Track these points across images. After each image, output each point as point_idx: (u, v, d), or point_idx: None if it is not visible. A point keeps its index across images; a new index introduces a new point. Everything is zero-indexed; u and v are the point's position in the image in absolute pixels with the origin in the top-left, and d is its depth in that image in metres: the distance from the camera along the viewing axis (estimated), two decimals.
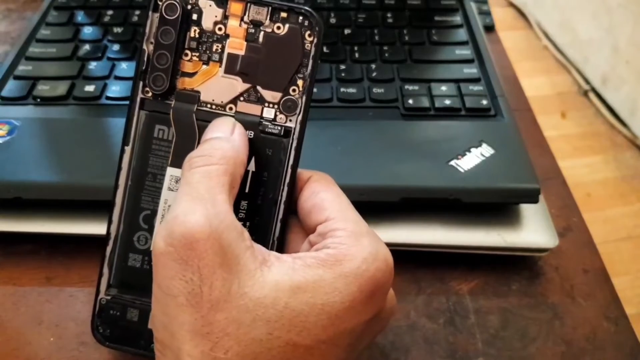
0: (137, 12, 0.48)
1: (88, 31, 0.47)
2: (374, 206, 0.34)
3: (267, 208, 0.27)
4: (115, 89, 0.41)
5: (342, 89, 0.42)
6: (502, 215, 0.36)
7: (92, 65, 0.43)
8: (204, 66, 0.27)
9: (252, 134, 0.27)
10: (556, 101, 1.51)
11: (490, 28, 0.55)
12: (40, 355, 0.31)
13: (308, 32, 0.26)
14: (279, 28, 0.26)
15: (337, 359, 0.24)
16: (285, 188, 0.27)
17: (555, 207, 0.39)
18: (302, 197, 0.27)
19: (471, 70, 0.44)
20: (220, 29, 0.27)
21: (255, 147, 0.27)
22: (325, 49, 0.45)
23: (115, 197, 0.27)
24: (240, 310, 0.21)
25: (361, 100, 0.41)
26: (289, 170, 0.27)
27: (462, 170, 0.36)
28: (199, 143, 0.26)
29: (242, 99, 0.27)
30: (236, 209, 0.26)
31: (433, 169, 0.36)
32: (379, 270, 0.23)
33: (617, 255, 1.13)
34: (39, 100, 0.41)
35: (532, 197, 0.35)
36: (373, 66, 0.44)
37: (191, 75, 0.27)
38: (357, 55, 0.45)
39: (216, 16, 0.27)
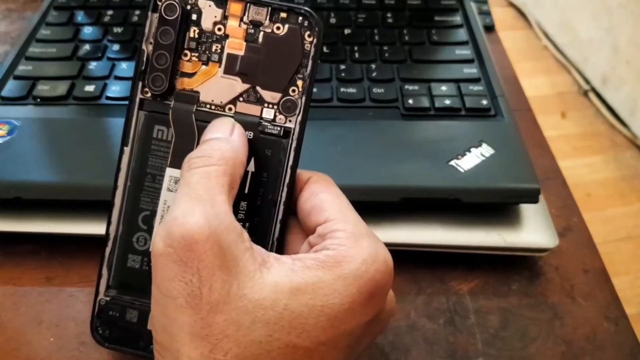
0: (137, 12, 0.48)
1: (88, 31, 0.47)
2: (374, 206, 0.34)
3: (266, 209, 0.27)
4: (115, 89, 0.41)
5: (342, 89, 0.42)
6: (502, 215, 0.36)
7: (92, 65, 0.43)
8: (204, 66, 0.27)
9: (251, 135, 0.27)
10: (556, 101, 1.51)
11: (490, 28, 0.55)
12: (40, 355, 0.31)
13: (308, 32, 0.26)
14: (278, 28, 0.26)
15: None
16: (285, 189, 0.27)
17: (555, 207, 0.39)
18: (301, 198, 0.27)
19: (471, 70, 0.44)
20: (219, 29, 0.27)
21: (254, 148, 0.26)
22: (325, 49, 0.45)
23: (115, 198, 0.27)
24: (239, 312, 0.21)
25: (361, 100, 0.41)
26: (289, 170, 0.27)
27: (462, 170, 0.36)
28: (198, 144, 0.26)
29: (241, 99, 0.27)
30: (235, 210, 0.26)
31: (433, 169, 0.36)
32: (379, 271, 0.23)
33: (617, 255, 1.13)
34: (39, 100, 0.41)
35: (532, 197, 0.35)
36: (373, 66, 0.44)
37: (190, 75, 0.27)
38: (357, 55, 0.45)
39: (215, 16, 0.26)
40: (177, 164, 0.26)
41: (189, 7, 0.26)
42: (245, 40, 0.27)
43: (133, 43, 0.45)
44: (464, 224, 0.36)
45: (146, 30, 0.26)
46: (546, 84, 1.56)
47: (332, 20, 0.48)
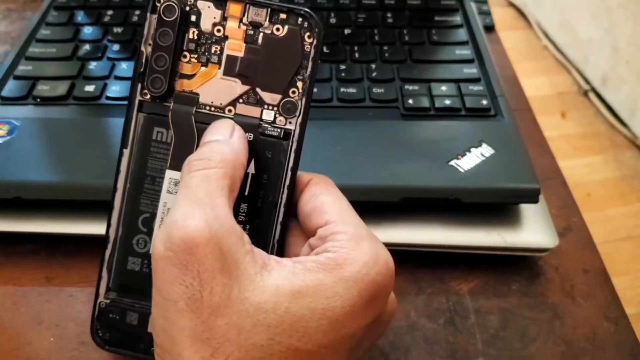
0: (137, 12, 0.48)
1: (88, 31, 0.47)
2: (374, 206, 0.34)
3: (267, 211, 0.27)
4: (115, 89, 0.41)
5: (342, 89, 0.42)
6: (502, 215, 0.36)
7: (92, 65, 0.43)
8: (203, 68, 0.27)
9: (251, 137, 0.26)
10: (556, 101, 1.51)
11: (490, 28, 0.55)
12: (40, 355, 0.31)
13: (307, 33, 0.26)
14: (278, 29, 0.26)
15: None
16: (285, 191, 0.27)
17: (555, 207, 0.39)
18: (302, 199, 0.27)
19: (471, 70, 0.44)
20: (219, 30, 0.26)
21: (254, 150, 0.26)
22: (325, 49, 0.45)
23: (114, 200, 0.27)
24: (240, 315, 0.21)
25: (361, 100, 0.41)
26: (289, 172, 0.27)
27: (462, 170, 0.36)
28: (198, 146, 0.26)
29: (241, 101, 0.27)
30: (236, 212, 0.26)
31: (433, 169, 0.36)
32: (380, 274, 0.23)
33: (617, 255, 1.13)
34: (39, 100, 0.41)
35: (532, 197, 0.35)
36: (373, 66, 0.44)
37: (190, 77, 0.27)
38: (357, 55, 0.45)
39: (215, 17, 0.26)
40: (177, 166, 0.26)
41: (188, 8, 0.26)
42: (245, 42, 0.26)
43: (133, 43, 0.45)
44: (464, 224, 0.36)
45: (145, 32, 0.26)
46: (546, 84, 1.56)
47: (332, 20, 0.48)
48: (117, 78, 0.42)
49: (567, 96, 1.53)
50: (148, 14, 0.26)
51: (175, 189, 0.26)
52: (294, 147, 0.27)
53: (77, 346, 0.32)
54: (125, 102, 0.27)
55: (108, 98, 0.41)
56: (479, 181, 0.35)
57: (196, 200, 0.23)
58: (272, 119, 0.27)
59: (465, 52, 0.45)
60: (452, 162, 0.36)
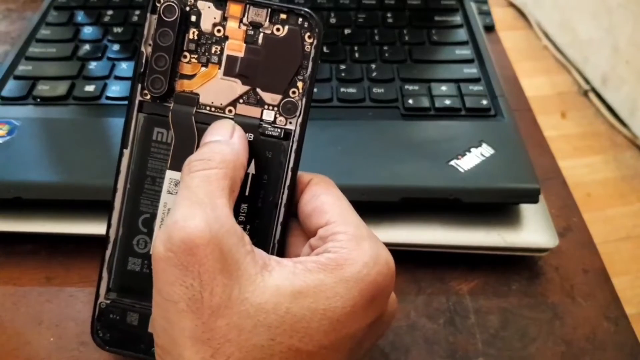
0: (137, 12, 0.48)
1: (88, 31, 0.47)
2: (374, 206, 0.34)
3: (267, 211, 0.27)
4: (115, 89, 0.41)
5: (342, 89, 0.42)
6: (502, 215, 0.36)
7: (92, 65, 0.43)
8: (203, 68, 0.27)
9: (251, 137, 0.26)
10: (556, 101, 1.51)
11: (490, 28, 0.55)
12: (40, 355, 0.31)
13: (308, 33, 0.26)
14: (278, 30, 0.26)
15: None
16: (286, 191, 0.27)
17: (555, 207, 0.39)
18: (302, 200, 0.27)
19: (471, 70, 0.44)
20: (219, 30, 0.26)
21: (255, 150, 0.26)
22: (325, 49, 0.45)
23: (114, 201, 0.27)
24: (241, 316, 0.21)
25: (361, 100, 0.41)
26: (289, 172, 0.27)
27: (462, 170, 0.36)
28: (198, 146, 0.26)
29: (241, 101, 0.27)
30: (236, 212, 0.26)
31: (433, 169, 0.36)
32: (380, 274, 0.23)
33: (617, 255, 1.13)
34: (39, 100, 0.41)
35: (532, 197, 0.35)
36: (373, 66, 0.44)
37: (190, 77, 0.27)
38: (357, 55, 0.45)
39: (215, 18, 0.26)
40: (177, 166, 0.26)
41: (188, 8, 0.26)
42: (245, 42, 0.26)
43: (133, 43, 0.45)
44: (464, 224, 0.36)
45: (145, 32, 0.26)
46: (546, 84, 1.56)
47: (332, 20, 0.48)
48: (117, 78, 0.42)
49: (567, 96, 1.53)
50: (148, 14, 0.26)
51: (176, 189, 0.26)
52: (294, 147, 0.27)
53: (77, 346, 0.32)
54: (125, 102, 0.27)
55: (108, 98, 0.41)
56: (479, 181, 0.35)
57: (196, 200, 0.23)
58: (272, 119, 0.27)
59: (465, 52, 0.45)
60: (452, 162, 0.36)
